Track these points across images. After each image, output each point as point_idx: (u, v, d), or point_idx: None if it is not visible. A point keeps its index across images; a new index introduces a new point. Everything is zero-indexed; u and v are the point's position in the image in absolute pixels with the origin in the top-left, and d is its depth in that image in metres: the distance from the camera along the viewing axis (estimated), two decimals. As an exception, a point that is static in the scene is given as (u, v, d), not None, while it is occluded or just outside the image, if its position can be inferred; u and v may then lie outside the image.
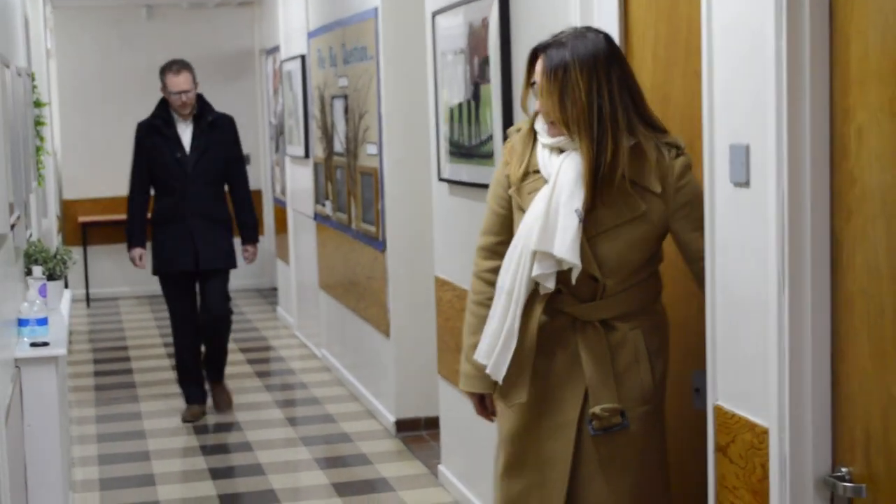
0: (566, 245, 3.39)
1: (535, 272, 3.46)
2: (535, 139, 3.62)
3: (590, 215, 3.45)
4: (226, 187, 8.10)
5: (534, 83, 3.54)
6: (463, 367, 3.80)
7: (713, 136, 3.25)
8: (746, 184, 3.09)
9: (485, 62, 5.17)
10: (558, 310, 3.57)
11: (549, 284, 3.48)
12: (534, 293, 3.53)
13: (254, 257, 8.15)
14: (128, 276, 13.10)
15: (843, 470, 2.90)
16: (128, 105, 12.84)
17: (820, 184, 2.89)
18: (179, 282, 7.87)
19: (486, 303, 3.68)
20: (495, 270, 3.66)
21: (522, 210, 3.57)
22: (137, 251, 7.90)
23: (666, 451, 3.70)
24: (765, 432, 3.05)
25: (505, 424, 3.71)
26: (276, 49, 11.39)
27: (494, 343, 3.56)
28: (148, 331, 11.35)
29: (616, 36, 4.06)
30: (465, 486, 5.98)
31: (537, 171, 3.56)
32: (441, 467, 6.38)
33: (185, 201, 7.77)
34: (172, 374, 8.98)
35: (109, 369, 9.69)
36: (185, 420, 7.89)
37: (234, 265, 7.97)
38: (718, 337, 3.28)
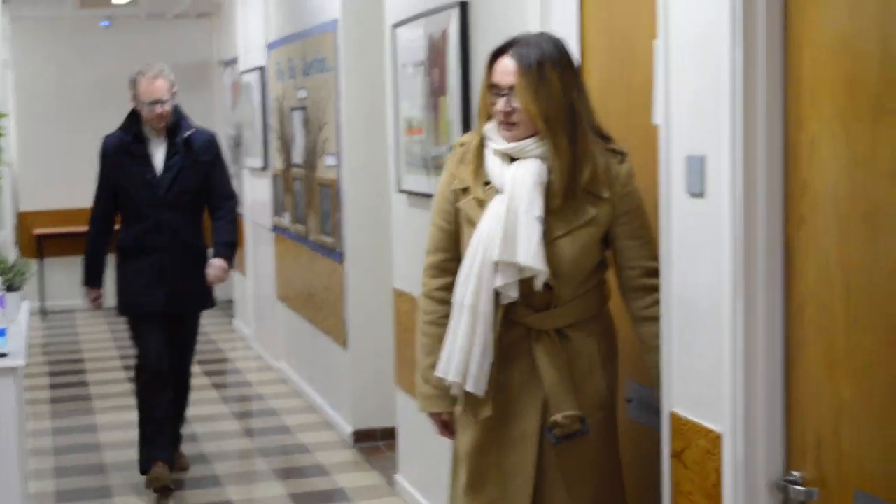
0: (531, 252, 3.39)
1: (498, 283, 3.45)
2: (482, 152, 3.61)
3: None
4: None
5: (493, 85, 3.51)
6: (421, 388, 3.77)
7: (670, 148, 3.30)
8: (702, 194, 3.15)
9: (444, 73, 5.21)
10: (513, 321, 3.56)
11: (513, 294, 3.48)
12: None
13: (219, 275, 6.64)
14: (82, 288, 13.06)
15: (796, 474, 2.96)
16: (85, 116, 12.86)
17: (773, 192, 2.95)
18: (150, 322, 6.62)
19: (440, 322, 3.67)
20: (445, 288, 3.67)
21: (472, 223, 3.56)
22: (94, 292, 6.84)
23: (620, 457, 3.74)
24: (718, 438, 3.10)
25: (466, 440, 3.69)
26: (234, 60, 11.40)
27: (465, 359, 3.51)
28: (104, 343, 11.31)
29: (575, 48, 4.12)
30: (422, 495, 6.00)
31: (487, 183, 3.56)
32: (398, 477, 6.40)
33: (157, 230, 6.55)
34: (128, 387, 8.97)
35: (65, 382, 9.65)
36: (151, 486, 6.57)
37: (210, 305, 6.81)
38: (674, 345, 3.33)
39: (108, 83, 12.95)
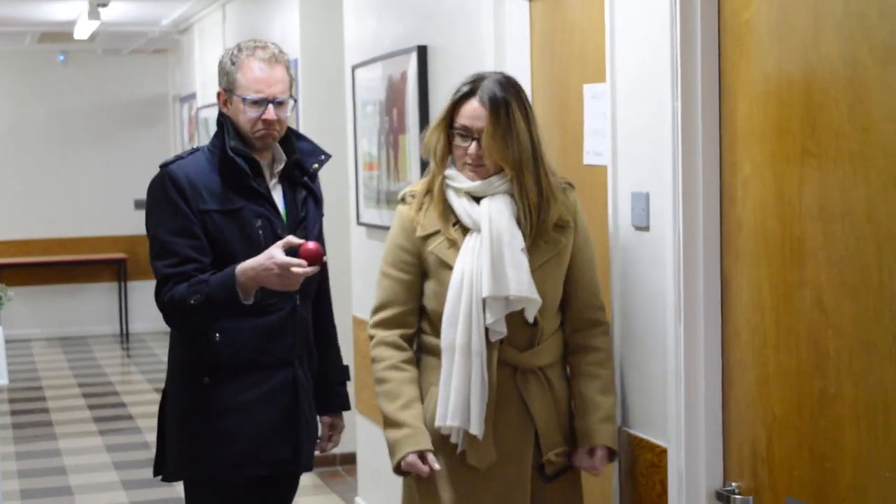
0: (524, 283, 3.32)
1: (489, 320, 3.35)
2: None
3: None
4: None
5: (462, 127, 3.42)
6: (393, 435, 3.50)
7: (616, 185, 3.59)
8: (647, 228, 3.44)
9: (403, 113, 5.48)
10: (500, 361, 3.44)
11: (503, 329, 3.37)
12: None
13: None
14: (39, 317, 13.23)
15: (733, 484, 3.23)
16: (42, 150, 13.07)
17: (711, 228, 3.23)
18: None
19: (401, 366, 3.51)
20: (403, 337, 3.53)
21: (447, 265, 3.43)
22: None
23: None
24: (664, 452, 3.37)
25: (450, 491, 3.49)
26: (191, 96, 11.60)
27: (464, 401, 3.37)
28: (61, 371, 11.44)
29: (528, 88, 4.38)
30: (382, 517, 6.22)
31: (455, 224, 3.47)
32: (357, 499, 6.61)
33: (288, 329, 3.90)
34: (89, 413, 9.13)
35: (26, 408, 9.79)
36: None
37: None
38: (624, 368, 3.61)
39: (64, 117, 13.18)
